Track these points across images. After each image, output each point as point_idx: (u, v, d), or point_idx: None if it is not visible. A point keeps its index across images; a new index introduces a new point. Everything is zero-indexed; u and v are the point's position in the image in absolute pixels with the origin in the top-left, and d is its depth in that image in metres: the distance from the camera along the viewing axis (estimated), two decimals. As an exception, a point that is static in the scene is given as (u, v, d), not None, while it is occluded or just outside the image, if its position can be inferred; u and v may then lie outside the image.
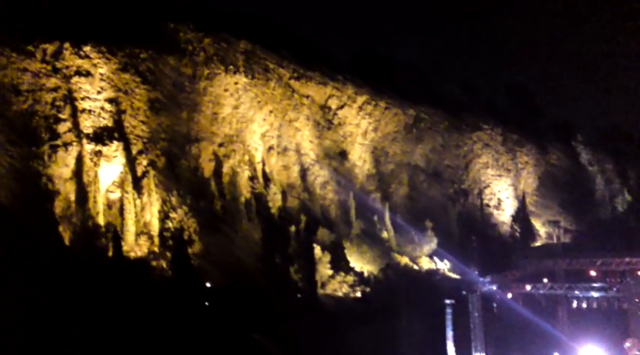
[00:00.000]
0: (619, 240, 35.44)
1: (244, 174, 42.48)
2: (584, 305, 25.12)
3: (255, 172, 43.52)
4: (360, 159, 50.58)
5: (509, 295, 25.61)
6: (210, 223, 37.57)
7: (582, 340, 27.99)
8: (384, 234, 44.25)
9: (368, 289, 38.81)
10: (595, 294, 24.42)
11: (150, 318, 24.97)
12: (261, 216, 40.70)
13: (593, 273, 28.17)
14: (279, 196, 43.23)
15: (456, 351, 27.78)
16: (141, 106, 38.34)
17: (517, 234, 52.40)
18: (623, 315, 27.84)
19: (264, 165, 44.47)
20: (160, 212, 35.39)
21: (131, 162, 36.33)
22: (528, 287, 25.43)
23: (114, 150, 35.83)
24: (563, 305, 29.73)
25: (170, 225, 35.35)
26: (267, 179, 43.90)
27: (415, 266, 43.17)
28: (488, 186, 56.07)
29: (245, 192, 41.65)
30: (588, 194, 57.19)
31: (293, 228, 40.11)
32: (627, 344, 27.38)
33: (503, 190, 56.21)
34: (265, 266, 36.72)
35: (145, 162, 36.96)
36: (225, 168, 41.60)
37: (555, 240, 36.56)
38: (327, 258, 38.90)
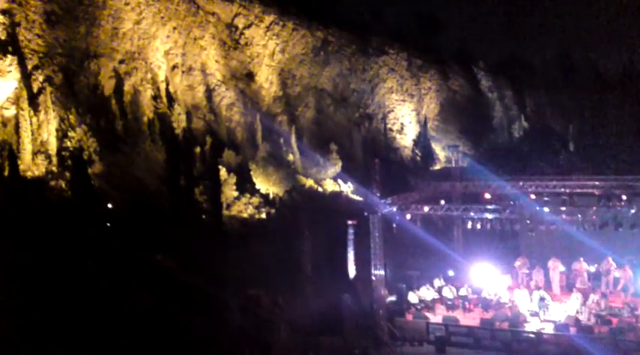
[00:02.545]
0: (514, 165, 37.12)
1: (147, 93, 41.15)
2: (479, 226, 26.26)
3: (159, 91, 42.21)
4: (267, 81, 49.98)
5: (408, 216, 26.37)
6: (111, 143, 36.48)
7: (476, 259, 29.54)
8: (290, 157, 44.37)
9: (273, 210, 39.14)
10: (489, 216, 25.53)
11: (48, 239, 24.36)
12: (165, 137, 39.76)
13: (487, 196, 29.41)
14: (183, 117, 42.28)
15: (357, 269, 28.71)
16: (36, 19, 36.18)
17: (418, 158, 53.79)
18: (514, 236, 29.46)
19: (167, 84, 43.15)
20: (57, 130, 33.95)
21: (26, 77, 34.51)
22: (426, 209, 26.24)
23: (8, 65, 33.89)
24: (459, 226, 31.06)
25: (69, 144, 34.06)
26: (171, 99, 42.70)
27: (320, 189, 43.77)
28: (392, 110, 56.88)
29: (148, 111, 40.47)
30: (487, 120, 59.13)
31: (198, 150, 39.51)
32: (517, 263, 29.09)
33: (406, 115, 57.22)
34: (169, 188, 36.16)
35: (41, 78, 35.16)
36: (127, 87, 40.12)
37: (454, 164, 37.85)
38: (233, 180, 38.75)
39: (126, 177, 35.62)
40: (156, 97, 41.66)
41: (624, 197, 25.67)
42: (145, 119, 39.91)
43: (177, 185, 36.28)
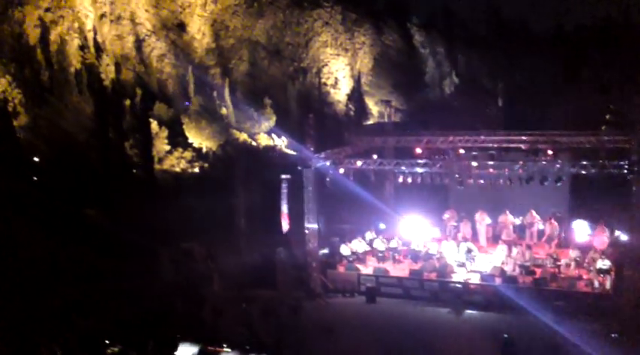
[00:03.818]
0: (444, 120, 37.67)
1: (74, 42, 39.65)
2: (410, 179, 26.75)
3: (86, 41, 40.73)
4: (199, 32, 48.86)
5: (342, 170, 26.60)
6: (37, 94, 35.19)
7: (406, 212, 30.16)
8: (224, 111, 43.80)
9: (206, 165, 38.82)
10: (420, 170, 25.97)
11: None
12: (93, 89, 38.61)
13: (419, 150, 29.80)
14: (112, 68, 41.04)
15: (290, 223, 28.90)
16: (-46, -37, 34.36)
17: (351, 113, 53.97)
18: (443, 189, 30.16)
19: (95, 33, 41.70)
20: (-21, 81, 32.66)
21: (-55, 26, 32.90)
22: (359, 163, 26.50)
23: None
24: (391, 180, 31.56)
25: (-8, 95, 32.80)
26: (99, 49, 41.32)
27: (253, 143, 43.57)
28: (327, 65, 56.64)
29: (75, 62, 39.07)
30: (419, 75, 59.61)
31: (128, 102, 38.60)
32: (446, 216, 29.86)
33: (340, 70, 57.07)
34: (98, 141, 35.30)
35: (-39, 27, 33.57)
36: (53, 36, 38.56)
37: (386, 119, 38.16)
38: (165, 133, 38.14)
39: (53, 129, 34.56)
40: (83, 47, 40.25)
41: (550, 152, 26.52)
42: (72, 70, 38.57)
43: (106, 138, 35.45)
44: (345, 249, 27.14)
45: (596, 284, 22.78)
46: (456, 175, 26.72)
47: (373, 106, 55.65)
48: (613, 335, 19.54)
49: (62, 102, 36.58)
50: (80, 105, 37.10)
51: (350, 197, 28.41)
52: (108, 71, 40.47)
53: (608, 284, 22.53)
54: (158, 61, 45.18)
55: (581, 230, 27.35)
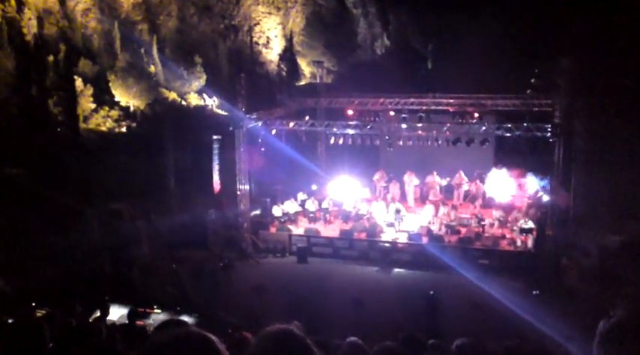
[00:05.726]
0: (376, 82, 37.75)
1: (-7, -5, 37.83)
2: (341, 141, 26.99)
3: (6, -6, 38.89)
4: (126, -14, 47.22)
5: (274, 131, 26.57)
6: (-48, 48, 33.60)
7: (338, 173, 30.45)
8: (152, 69, 42.74)
9: (134, 124, 37.96)
10: (351, 131, 26.24)
11: None
12: (15, 44, 36.94)
13: (350, 112, 30.03)
14: (34, 22, 39.28)
15: (222, 184, 28.74)
16: None
17: (283, 73, 53.56)
18: (374, 151, 30.54)
19: (16, -15, 39.78)
20: None
21: None
22: (291, 124, 26.53)
23: None
24: (322, 141, 31.76)
25: None
26: (20, 2, 39.46)
27: (183, 102, 42.79)
28: (258, 23, 55.79)
29: (-6, 15, 37.32)
30: (351, 36, 59.46)
31: (51, 58, 37.15)
32: (376, 177, 30.33)
33: (272, 29, 56.35)
34: (20, 98, 33.99)
35: None
36: (-31, -13, 36.70)
37: (318, 80, 38.11)
38: (90, 91, 36.99)
39: (-29, 85, 33.07)
40: (3, 0, 38.35)
41: (476, 114, 27.15)
42: (-8, 24, 36.79)
43: (28, 95, 34.16)
44: (276, 210, 27.26)
45: (519, 243, 23.69)
46: (386, 137, 27.09)
47: (305, 67, 55.34)
48: (534, 292, 20.40)
49: (-19, 56, 34.95)
50: (1, 61, 35.50)
51: (282, 158, 28.44)
52: (30, 26, 38.74)
53: (530, 243, 23.45)
54: (83, 16, 43.50)
55: (502, 180, 28.04)
